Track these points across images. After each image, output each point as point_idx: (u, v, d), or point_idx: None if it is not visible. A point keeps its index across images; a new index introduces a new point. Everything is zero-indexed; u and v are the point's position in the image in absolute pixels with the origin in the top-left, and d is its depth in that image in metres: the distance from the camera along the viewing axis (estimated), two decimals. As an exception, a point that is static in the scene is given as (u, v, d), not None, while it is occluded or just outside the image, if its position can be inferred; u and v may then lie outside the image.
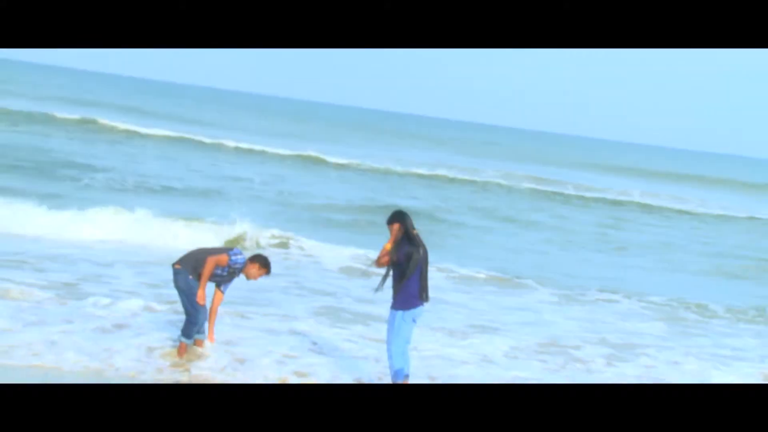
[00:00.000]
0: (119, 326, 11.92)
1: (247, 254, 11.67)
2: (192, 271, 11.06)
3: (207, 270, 10.99)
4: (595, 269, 23.64)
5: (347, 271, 18.59)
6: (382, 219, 11.09)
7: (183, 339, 11.16)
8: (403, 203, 30.81)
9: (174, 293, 11.79)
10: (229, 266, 11.23)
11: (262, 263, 11.39)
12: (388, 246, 10.14)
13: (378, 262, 10.19)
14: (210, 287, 11.50)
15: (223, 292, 11.48)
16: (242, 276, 11.48)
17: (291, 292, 15.85)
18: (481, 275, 19.69)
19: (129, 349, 11.13)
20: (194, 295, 11.01)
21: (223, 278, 11.31)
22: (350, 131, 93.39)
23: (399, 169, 46.23)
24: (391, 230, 10.24)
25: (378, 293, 10.29)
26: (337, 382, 10.92)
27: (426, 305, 10.31)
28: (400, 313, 10.13)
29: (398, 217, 10.24)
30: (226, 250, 11.38)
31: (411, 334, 10.23)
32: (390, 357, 10.11)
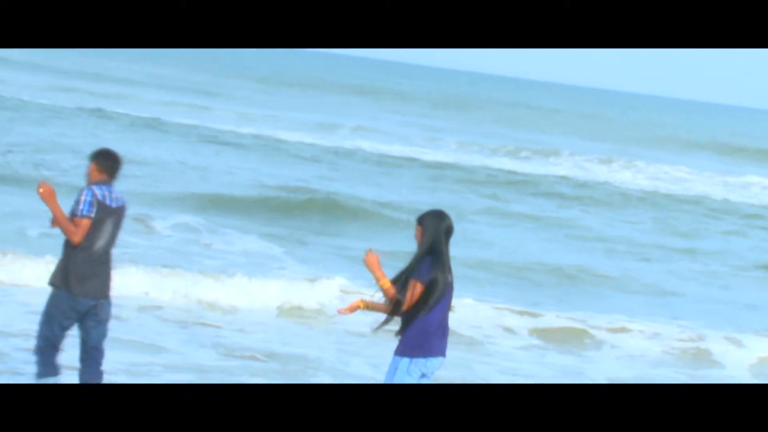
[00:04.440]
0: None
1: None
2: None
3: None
4: None
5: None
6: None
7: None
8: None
9: None
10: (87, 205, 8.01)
11: (98, 165, 8.24)
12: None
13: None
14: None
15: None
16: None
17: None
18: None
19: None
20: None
21: (103, 220, 8.19)
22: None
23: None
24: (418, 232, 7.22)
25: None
26: (336, 382, 10.87)
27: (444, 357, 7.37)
28: (405, 361, 7.17)
29: (428, 219, 7.20)
30: (72, 214, 8.14)
31: None
32: None
